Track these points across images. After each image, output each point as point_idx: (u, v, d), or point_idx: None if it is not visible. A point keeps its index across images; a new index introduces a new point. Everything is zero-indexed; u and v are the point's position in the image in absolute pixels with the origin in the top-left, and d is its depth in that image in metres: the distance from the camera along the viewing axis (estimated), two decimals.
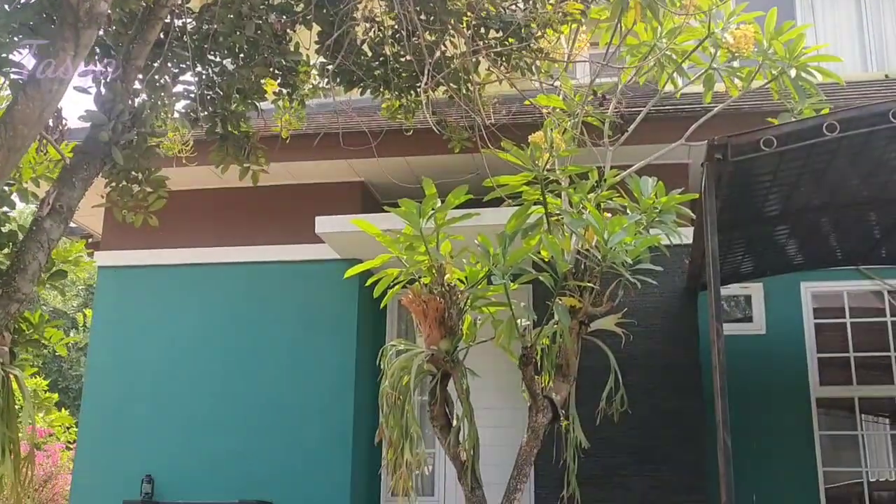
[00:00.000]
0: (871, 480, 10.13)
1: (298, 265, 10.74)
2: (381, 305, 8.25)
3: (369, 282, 7.74)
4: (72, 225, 11.51)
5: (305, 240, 10.44)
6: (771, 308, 10.52)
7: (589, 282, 7.17)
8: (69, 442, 15.42)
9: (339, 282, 9.98)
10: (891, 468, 10.31)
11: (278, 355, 10.48)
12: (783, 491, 9.93)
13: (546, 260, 7.25)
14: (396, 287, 7.71)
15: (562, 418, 7.46)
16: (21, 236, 5.05)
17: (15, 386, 4.81)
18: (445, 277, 7.41)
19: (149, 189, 5.81)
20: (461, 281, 7.46)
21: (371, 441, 10.04)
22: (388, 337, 10.64)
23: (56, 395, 7.04)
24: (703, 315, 9.45)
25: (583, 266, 7.26)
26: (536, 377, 7.30)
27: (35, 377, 10.97)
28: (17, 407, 4.80)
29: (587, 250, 7.13)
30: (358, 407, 10.18)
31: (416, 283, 7.57)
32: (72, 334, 18.87)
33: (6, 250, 5.18)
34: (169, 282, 11.03)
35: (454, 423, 7.41)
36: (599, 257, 6.93)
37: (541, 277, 7.11)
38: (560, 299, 7.03)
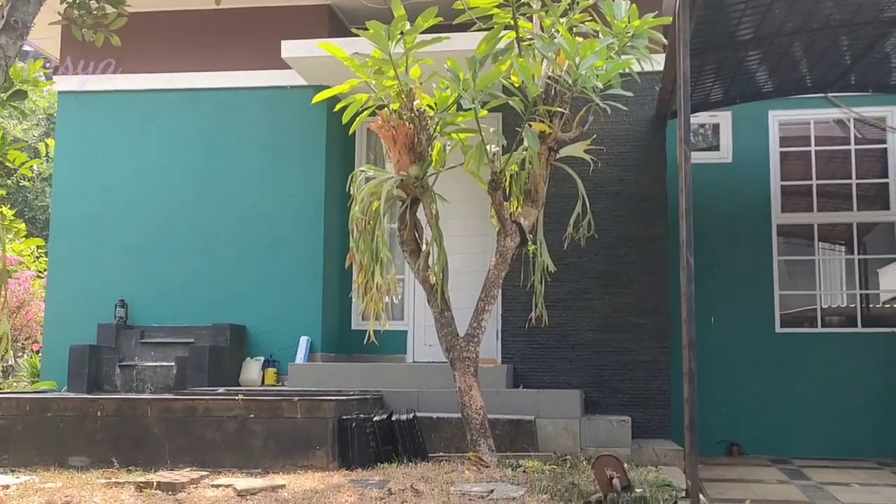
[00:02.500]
0: (824, 307, 10.53)
1: (265, 91, 10.56)
2: (350, 132, 8.19)
3: (338, 107, 7.65)
4: (27, 48, 11.14)
5: (272, 65, 10.22)
6: (738, 136, 10.59)
7: (559, 107, 7.14)
8: (40, 271, 15.54)
9: (307, 109, 9.89)
10: (843, 293, 10.71)
11: (248, 183, 10.47)
12: (740, 314, 10.33)
13: (516, 85, 7.18)
14: (365, 113, 7.64)
15: (529, 243, 7.61)
16: None
17: None
18: (415, 103, 7.35)
19: (108, 6, 5.59)
20: (430, 107, 7.40)
21: (341, 266, 10.25)
22: (358, 164, 10.61)
23: (23, 225, 7.03)
24: (672, 143, 9.50)
25: (553, 91, 7.21)
26: (505, 202, 7.38)
27: (0, 206, 10.89)
28: None
29: (558, 75, 7.06)
30: (328, 233, 10.28)
31: (385, 108, 7.51)
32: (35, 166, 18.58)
33: None
34: (134, 108, 10.81)
35: (423, 247, 7.55)
36: (570, 82, 6.87)
37: (511, 102, 7.06)
38: (530, 124, 7.02)
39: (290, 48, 9.67)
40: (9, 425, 7.31)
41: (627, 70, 7.02)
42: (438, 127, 7.44)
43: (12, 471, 6.92)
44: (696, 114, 9.83)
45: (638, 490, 5.67)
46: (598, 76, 6.72)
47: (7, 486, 6.12)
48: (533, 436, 7.90)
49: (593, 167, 7.89)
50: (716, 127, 10.70)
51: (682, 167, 5.71)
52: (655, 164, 9.44)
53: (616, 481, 5.45)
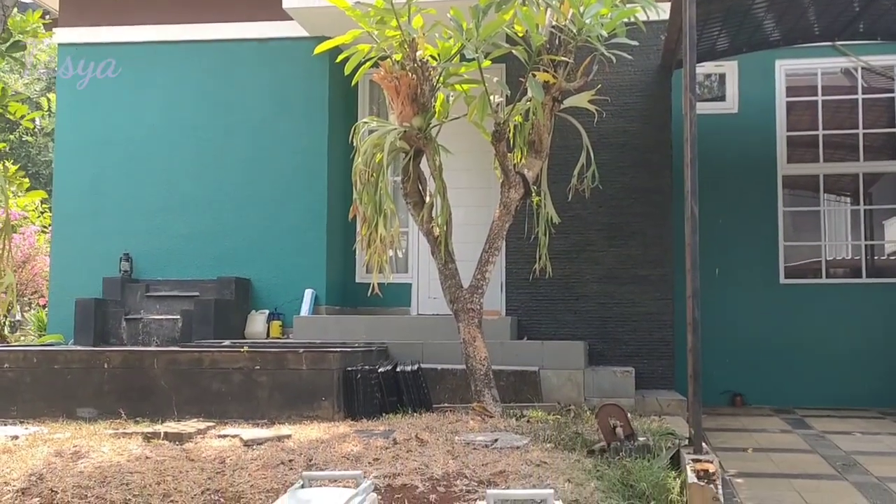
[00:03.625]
0: (829, 258, 10.52)
1: (267, 42, 10.46)
2: (353, 83, 8.13)
3: (340, 58, 7.58)
4: (26, 0, 11.01)
5: (274, 16, 10.12)
6: (744, 87, 10.49)
7: (563, 57, 7.06)
8: (44, 225, 15.55)
9: (309, 61, 9.81)
10: (848, 245, 10.69)
11: (250, 135, 10.42)
12: (745, 265, 10.33)
13: (520, 35, 7.10)
14: (367, 64, 7.58)
15: (533, 194, 7.59)
16: None
17: None
18: (417, 53, 7.27)
19: None
20: (433, 57, 7.33)
21: (344, 219, 10.23)
22: (360, 116, 10.55)
23: (27, 180, 7.00)
24: (677, 94, 9.42)
25: (557, 40, 7.13)
26: (509, 153, 7.35)
27: (2, 161, 10.87)
28: None
29: (562, 24, 6.97)
30: (331, 186, 10.25)
31: (388, 59, 7.44)
32: (37, 119, 18.55)
33: None
34: (134, 60, 10.72)
35: (427, 199, 7.52)
36: (575, 31, 6.80)
37: (514, 52, 6.99)
38: (534, 74, 6.95)
39: None
40: (17, 377, 7.37)
41: (633, 18, 6.94)
42: (441, 78, 7.38)
43: (21, 422, 7.00)
44: (701, 63, 9.72)
45: (641, 438, 5.74)
46: (602, 25, 6.65)
47: (16, 437, 6.19)
48: (537, 387, 7.95)
49: (598, 118, 7.83)
50: (721, 77, 10.59)
51: (687, 116, 5.66)
52: (660, 114, 9.36)
53: (619, 430, 5.51)
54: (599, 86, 7.86)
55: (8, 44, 5.22)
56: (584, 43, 6.84)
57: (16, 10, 5.40)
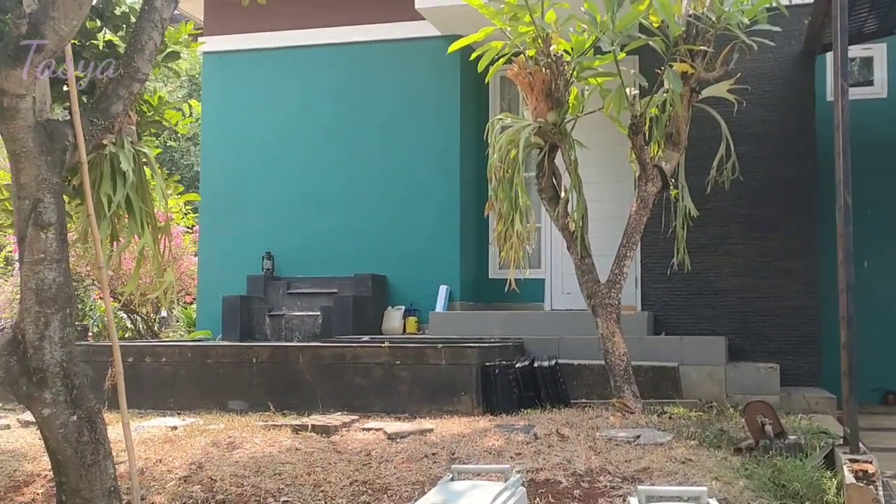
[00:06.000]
0: None
1: (398, 43, 10.65)
2: (486, 80, 8.18)
3: (473, 56, 7.63)
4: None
5: (405, 17, 10.29)
6: (893, 70, 9.97)
7: (702, 46, 6.91)
8: (188, 227, 16.25)
9: (440, 59, 9.92)
10: None
11: (382, 134, 10.63)
12: (895, 256, 9.83)
13: (656, 25, 6.99)
14: (500, 61, 7.60)
15: (671, 187, 7.46)
16: (133, 18, 5.12)
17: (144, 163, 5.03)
18: (551, 48, 7.26)
19: None
20: (567, 51, 7.30)
21: (477, 216, 10.32)
22: (491, 114, 10.60)
23: (181, 185, 7.36)
24: (820, 79, 9.07)
25: (695, 30, 6.98)
26: (646, 146, 7.24)
27: (160, 166, 11.45)
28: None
29: (700, 12, 6.83)
30: (463, 183, 10.35)
31: (521, 55, 7.45)
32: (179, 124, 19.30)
33: (121, 32, 5.28)
34: (271, 65, 11.12)
35: (562, 194, 7.50)
36: (713, 19, 6.64)
37: (651, 43, 6.88)
38: (671, 65, 6.82)
39: None
40: (174, 371, 7.76)
41: (774, 3, 6.72)
42: (575, 72, 7.34)
43: (178, 413, 7.37)
44: (849, 46, 9.30)
45: (792, 437, 5.55)
46: (743, 11, 6.48)
47: (175, 428, 6.53)
48: (676, 383, 7.81)
49: (737, 107, 7.62)
50: (867, 61, 10.10)
51: (838, 103, 5.44)
52: (802, 101, 9.01)
53: (768, 427, 5.35)
54: (739, 74, 7.63)
55: (164, 54, 5.48)
56: (724, 31, 6.67)
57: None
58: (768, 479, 4.89)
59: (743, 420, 5.84)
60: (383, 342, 7.84)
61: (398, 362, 7.33)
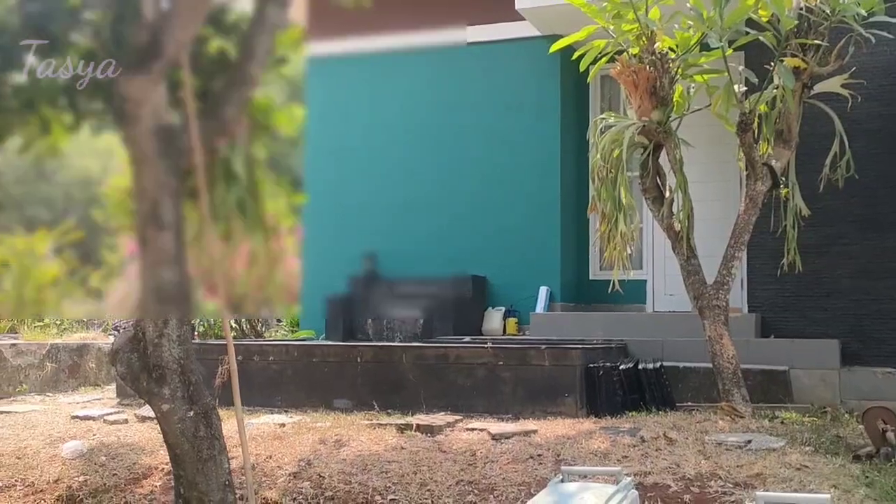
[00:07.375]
0: None
1: (498, 45, 10.64)
2: (588, 80, 8.10)
3: (575, 55, 7.57)
4: None
5: (505, 18, 10.29)
6: None
7: (815, 39, 6.69)
8: (289, 228, 16.62)
9: (540, 59, 9.88)
10: None
11: (481, 135, 10.65)
12: None
13: (764, 20, 6.81)
14: (602, 60, 7.51)
15: (781, 186, 7.25)
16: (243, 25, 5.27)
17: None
18: (656, 45, 7.13)
19: None
20: (672, 49, 7.17)
21: (577, 217, 10.24)
22: (591, 114, 10.50)
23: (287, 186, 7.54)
24: None
25: (807, 23, 6.76)
26: (755, 144, 7.06)
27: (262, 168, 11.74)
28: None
29: (813, 4, 6.61)
30: (564, 183, 10.28)
31: (625, 53, 7.35)
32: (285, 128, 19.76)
33: (233, 39, 5.43)
34: (372, 68, 11.26)
35: (667, 194, 7.37)
36: (827, 11, 6.43)
37: (761, 38, 6.70)
38: (782, 60, 6.63)
39: None
40: (280, 370, 7.93)
41: None
42: (680, 69, 7.20)
43: (285, 411, 7.52)
44: None
45: None
46: (859, 3, 6.25)
47: (283, 425, 6.67)
48: (787, 387, 7.58)
49: (850, 103, 7.35)
50: None
51: None
52: None
53: (890, 434, 5.15)
54: (854, 69, 7.35)
55: (274, 59, 5.60)
56: (838, 23, 6.45)
57: None
58: (891, 489, 4.70)
59: (861, 426, 5.63)
60: (486, 343, 7.85)
61: (501, 363, 7.31)
